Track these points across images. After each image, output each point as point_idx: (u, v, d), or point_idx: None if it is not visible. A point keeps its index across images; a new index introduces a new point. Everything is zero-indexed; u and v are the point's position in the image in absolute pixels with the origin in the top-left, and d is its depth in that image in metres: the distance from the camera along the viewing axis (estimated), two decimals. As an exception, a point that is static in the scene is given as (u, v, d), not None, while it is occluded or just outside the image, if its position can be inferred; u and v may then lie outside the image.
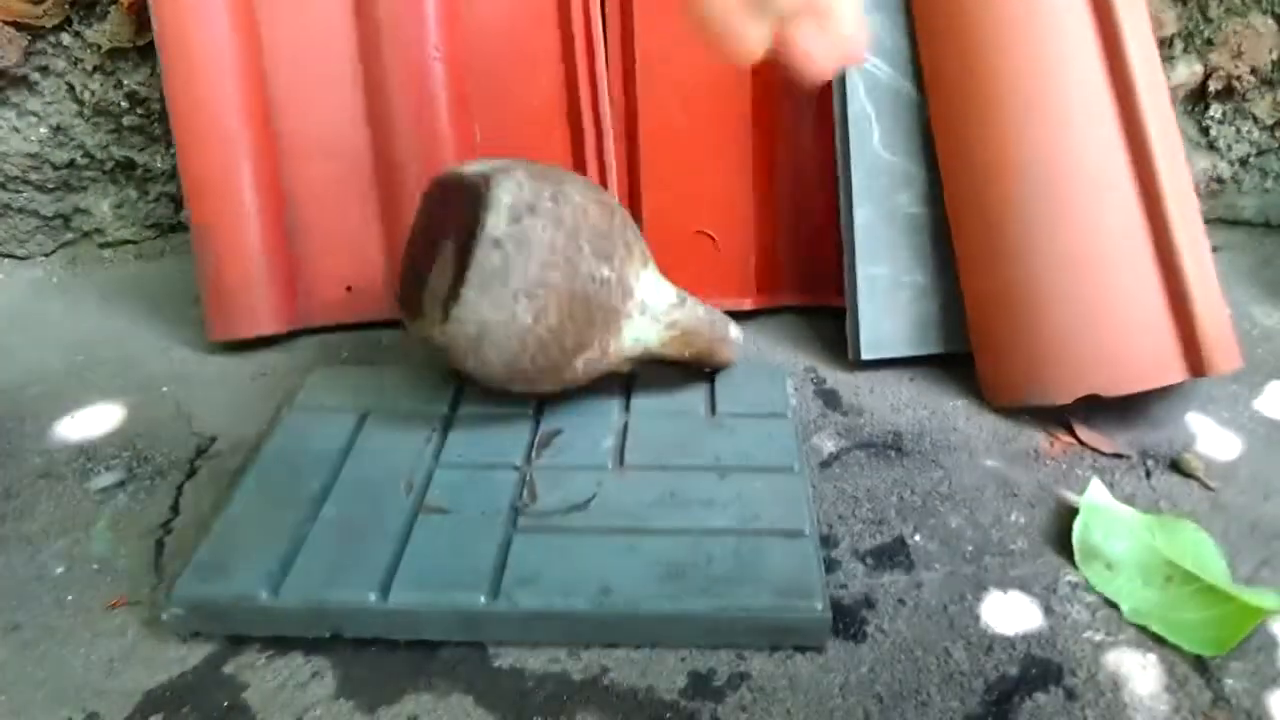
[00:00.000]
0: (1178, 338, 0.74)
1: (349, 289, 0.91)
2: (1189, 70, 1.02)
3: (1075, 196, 0.74)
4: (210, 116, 0.86)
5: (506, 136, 0.90)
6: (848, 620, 0.60)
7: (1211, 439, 0.76)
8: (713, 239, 0.91)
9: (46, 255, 1.10)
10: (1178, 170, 0.75)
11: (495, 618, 0.58)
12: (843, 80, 0.81)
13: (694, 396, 0.76)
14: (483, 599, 0.58)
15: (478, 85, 0.89)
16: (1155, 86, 0.75)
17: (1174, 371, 0.74)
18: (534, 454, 0.70)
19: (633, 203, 0.91)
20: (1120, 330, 0.74)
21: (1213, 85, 1.02)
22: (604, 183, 0.89)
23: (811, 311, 0.93)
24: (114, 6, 0.97)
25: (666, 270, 0.73)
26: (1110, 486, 0.70)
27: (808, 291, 0.93)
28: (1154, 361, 0.74)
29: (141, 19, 0.97)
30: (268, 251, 0.89)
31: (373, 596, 0.58)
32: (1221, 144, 1.06)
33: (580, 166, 0.90)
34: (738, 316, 0.93)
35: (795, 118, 0.89)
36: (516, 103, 0.90)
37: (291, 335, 0.92)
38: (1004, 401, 0.79)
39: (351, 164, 0.90)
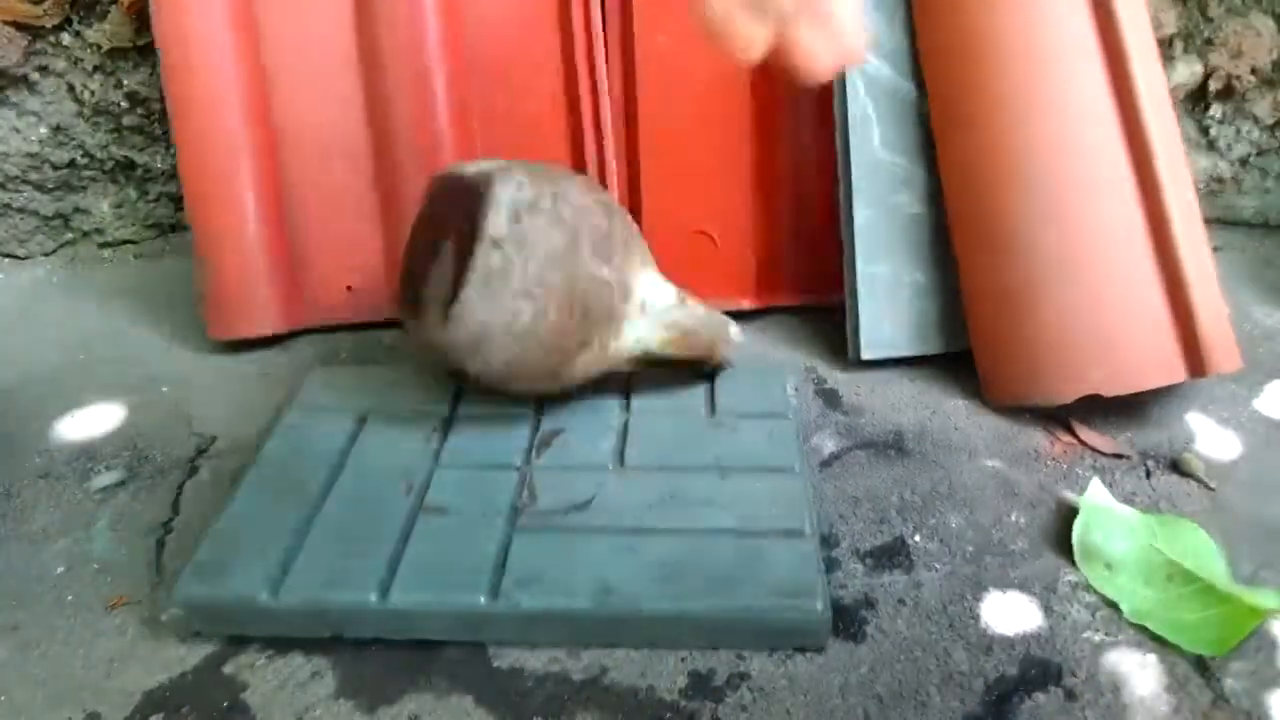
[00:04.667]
0: (1177, 337, 0.74)
1: (349, 289, 0.91)
2: (1189, 70, 1.02)
3: (1074, 196, 0.74)
4: (210, 114, 0.85)
5: (507, 138, 0.90)
6: (848, 620, 0.60)
7: (1212, 439, 0.76)
8: (712, 239, 0.91)
9: (46, 255, 1.10)
10: (1178, 169, 0.75)
11: (495, 618, 0.58)
12: (843, 81, 0.81)
13: (694, 396, 0.76)
14: (483, 599, 0.58)
15: (478, 87, 0.89)
16: (1156, 86, 0.75)
17: (1174, 371, 0.74)
18: (534, 454, 0.70)
19: (633, 202, 0.91)
20: (1120, 330, 0.74)
21: (1213, 85, 1.02)
22: (604, 183, 0.89)
23: (811, 311, 0.93)
24: (114, 6, 0.97)
25: (666, 270, 0.73)
26: (1110, 486, 0.70)
27: (808, 291, 0.93)
28: (1154, 361, 0.74)
29: (141, 19, 0.97)
30: (268, 251, 0.88)
31: (373, 597, 0.58)
32: (1221, 144, 1.06)
33: (580, 167, 0.90)
34: (737, 316, 0.93)
35: (795, 118, 0.89)
36: (517, 104, 0.90)
37: (292, 335, 0.92)
38: (1004, 401, 0.79)
39: (351, 164, 0.89)
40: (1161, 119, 0.74)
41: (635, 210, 0.91)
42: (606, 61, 0.88)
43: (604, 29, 0.87)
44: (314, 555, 0.61)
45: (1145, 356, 0.74)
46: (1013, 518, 0.69)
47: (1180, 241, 0.73)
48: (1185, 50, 1.02)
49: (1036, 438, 0.77)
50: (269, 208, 0.88)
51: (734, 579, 0.59)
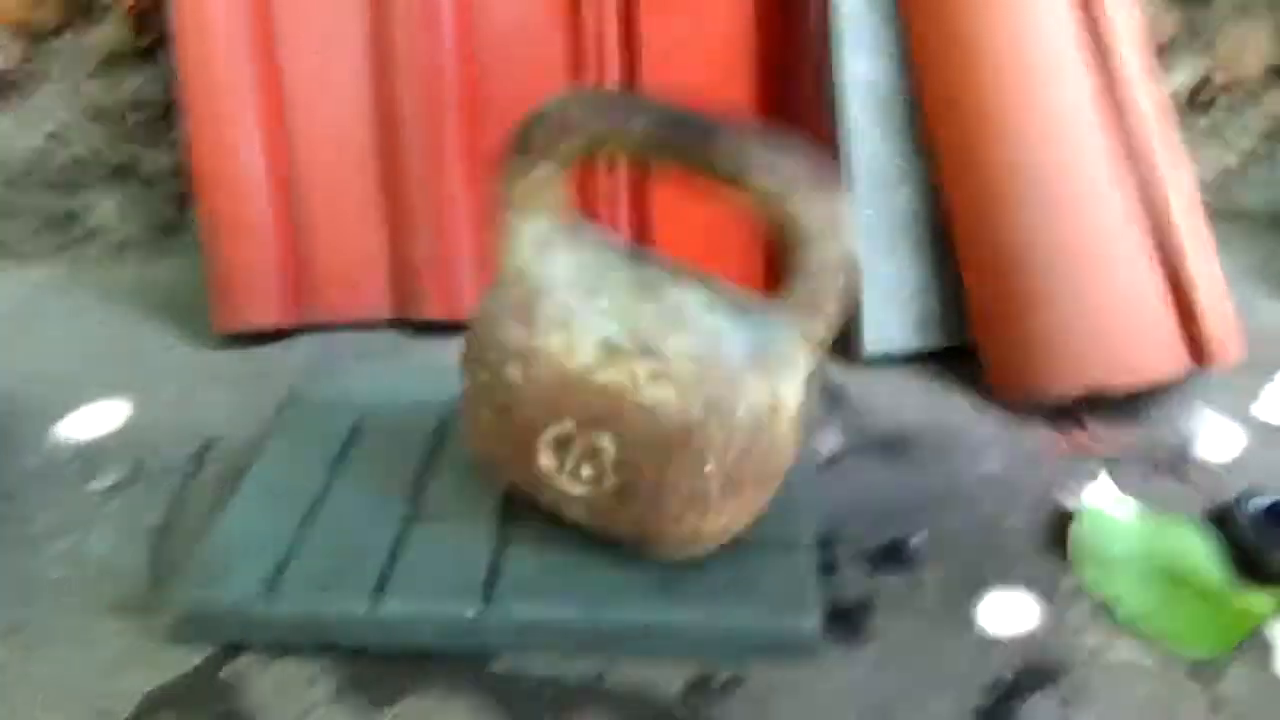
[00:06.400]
0: (1180, 330, 0.74)
1: (350, 289, 0.91)
2: (1190, 70, 1.02)
3: (1072, 192, 0.74)
4: (224, 105, 0.86)
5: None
6: (848, 620, 0.60)
7: (1213, 438, 0.76)
8: (721, 236, 0.91)
9: (48, 256, 1.10)
10: (1176, 163, 0.75)
11: (487, 627, 0.58)
12: (841, 80, 0.81)
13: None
14: (475, 608, 0.58)
15: (488, 89, 0.89)
16: (1146, 79, 0.75)
17: (1176, 363, 0.74)
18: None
19: (641, 199, 0.91)
20: (1122, 324, 0.74)
21: (1214, 85, 1.02)
22: (612, 180, 0.89)
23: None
24: (114, 9, 0.97)
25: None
26: (1111, 487, 0.70)
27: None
28: (1156, 354, 0.74)
29: (141, 22, 0.97)
30: (274, 243, 0.89)
31: (365, 606, 0.58)
32: (1226, 140, 1.06)
33: (589, 168, 0.90)
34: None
35: (802, 112, 0.89)
36: (527, 105, 0.89)
37: (293, 334, 0.92)
38: (1008, 396, 0.79)
39: (359, 162, 0.89)
40: (1155, 114, 0.74)
41: (644, 206, 0.91)
42: (617, 62, 0.88)
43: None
44: (308, 562, 0.61)
45: (1148, 350, 0.74)
46: (1013, 518, 0.68)
47: (1180, 234, 0.73)
48: (1186, 50, 1.01)
49: (1038, 438, 0.76)
50: (278, 201, 0.89)
51: (728, 591, 0.58)
